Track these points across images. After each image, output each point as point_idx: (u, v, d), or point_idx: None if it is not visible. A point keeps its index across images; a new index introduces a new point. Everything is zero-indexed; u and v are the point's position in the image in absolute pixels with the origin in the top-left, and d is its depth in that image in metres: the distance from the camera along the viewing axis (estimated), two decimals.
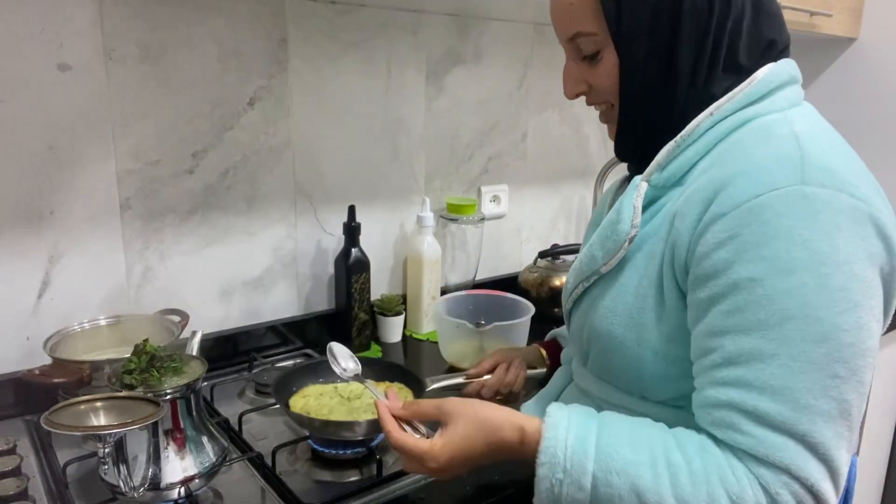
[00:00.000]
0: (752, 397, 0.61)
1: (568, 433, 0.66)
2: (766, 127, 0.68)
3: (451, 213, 1.54)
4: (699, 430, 0.66)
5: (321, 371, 1.08)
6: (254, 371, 1.26)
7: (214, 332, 1.27)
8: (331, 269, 1.41)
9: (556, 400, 0.89)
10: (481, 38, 1.55)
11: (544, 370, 1.07)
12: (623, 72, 0.74)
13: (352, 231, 1.34)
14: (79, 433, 0.72)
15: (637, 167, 0.79)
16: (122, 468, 0.77)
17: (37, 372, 0.97)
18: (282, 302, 1.37)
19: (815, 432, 0.59)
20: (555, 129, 1.76)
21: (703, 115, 0.70)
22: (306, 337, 1.39)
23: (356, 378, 0.92)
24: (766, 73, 0.71)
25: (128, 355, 0.85)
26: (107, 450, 0.73)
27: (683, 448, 0.64)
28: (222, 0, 1.18)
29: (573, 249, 1.68)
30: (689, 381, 0.69)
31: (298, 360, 1.33)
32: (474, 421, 0.71)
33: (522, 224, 1.78)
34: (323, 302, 1.43)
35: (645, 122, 0.75)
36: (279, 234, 1.34)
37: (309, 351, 1.37)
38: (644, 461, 0.63)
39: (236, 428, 1.05)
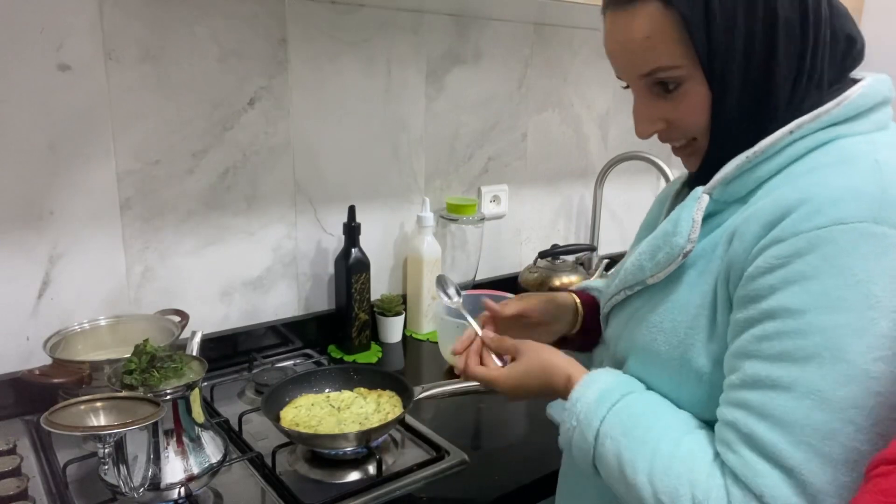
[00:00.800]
0: (752, 421, 0.59)
1: (595, 391, 0.71)
2: (847, 151, 0.62)
3: (451, 213, 1.54)
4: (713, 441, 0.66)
5: (314, 380, 1.08)
6: (254, 371, 1.26)
7: (214, 332, 1.27)
8: (331, 269, 1.41)
9: None
10: (481, 38, 1.55)
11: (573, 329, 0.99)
12: (716, 105, 0.67)
13: (352, 231, 1.34)
14: (79, 433, 0.72)
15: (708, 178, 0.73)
16: (122, 468, 0.77)
17: (37, 372, 0.97)
18: (282, 302, 1.37)
19: (808, 471, 0.56)
20: (555, 129, 1.76)
21: (783, 133, 0.64)
22: (306, 337, 1.39)
23: (458, 306, 0.99)
24: (861, 93, 0.65)
25: (128, 355, 0.85)
26: (107, 450, 0.73)
27: (679, 444, 0.64)
28: (222, 0, 1.18)
29: (573, 249, 1.68)
30: None
31: (298, 361, 1.33)
32: (536, 362, 0.81)
33: (522, 224, 1.78)
34: (323, 302, 1.43)
35: (736, 150, 0.68)
36: (279, 234, 1.34)
37: (309, 351, 1.37)
38: (638, 438, 0.66)
39: (236, 428, 1.05)
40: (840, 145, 0.63)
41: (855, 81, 0.68)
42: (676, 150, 0.75)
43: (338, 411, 1.02)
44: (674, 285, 0.71)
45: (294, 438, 0.96)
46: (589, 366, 0.85)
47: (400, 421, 1.01)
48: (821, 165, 0.63)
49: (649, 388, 0.73)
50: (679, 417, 0.68)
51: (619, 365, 0.79)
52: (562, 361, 0.80)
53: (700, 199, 0.69)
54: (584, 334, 0.95)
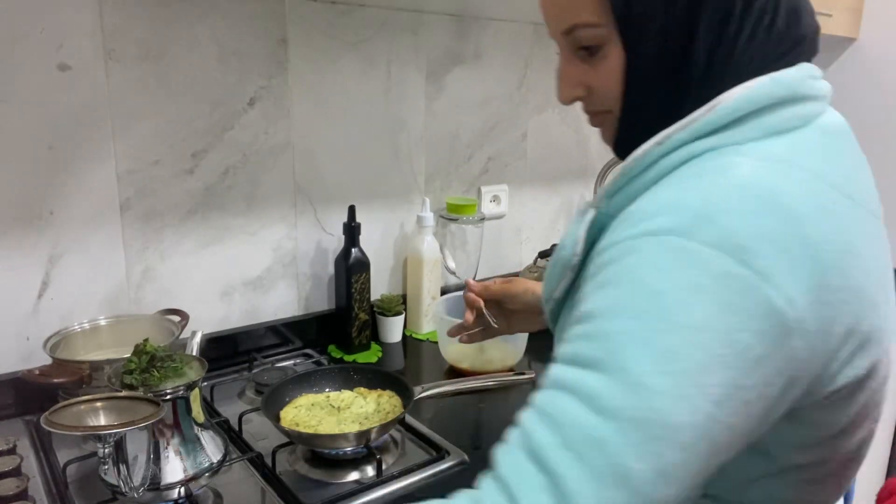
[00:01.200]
0: (533, 419, 0.55)
1: None
2: (703, 165, 0.57)
3: (451, 213, 1.54)
4: None
5: (314, 380, 1.08)
6: (254, 371, 1.25)
7: (214, 332, 1.27)
8: (331, 269, 1.41)
9: None
10: (481, 38, 1.55)
11: (533, 375, 1.06)
12: (629, 72, 0.62)
13: (352, 231, 1.34)
14: (79, 433, 0.72)
15: None
16: (122, 468, 0.77)
17: (37, 372, 0.97)
18: (282, 302, 1.37)
19: (570, 478, 0.50)
20: (555, 129, 1.76)
21: (651, 144, 0.59)
22: (306, 337, 1.39)
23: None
24: (737, 98, 0.57)
25: (128, 355, 0.85)
26: (107, 450, 0.73)
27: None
28: (222, 0, 1.18)
29: None
30: None
31: (298, 361, 1.33)
32: None
33: (522, 224, 1.78)
34: (323, 302, 1.43)
35: (647, 128, 0.63)
36: (279, 234, 1.34)
37: (309, 351, 1.37)
38: None
39: (236, 428, 1.05)
40: (704, 158, 0.58)
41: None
42: (593, 119, 0.72)
43: (338, 411, 1.02)
44: (576, 300, 0.66)
45: (294, 438, 0.96)
46: None
47: (400, 421, 1.01)
48: (673, 180, 0.58)
49: None
50: None
51: None
52: None
53: (586, 213, 0.66)
54: None
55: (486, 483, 0.56)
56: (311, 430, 0.96)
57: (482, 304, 1.02)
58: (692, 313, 0.50)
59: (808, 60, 0.62)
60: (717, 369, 0.50)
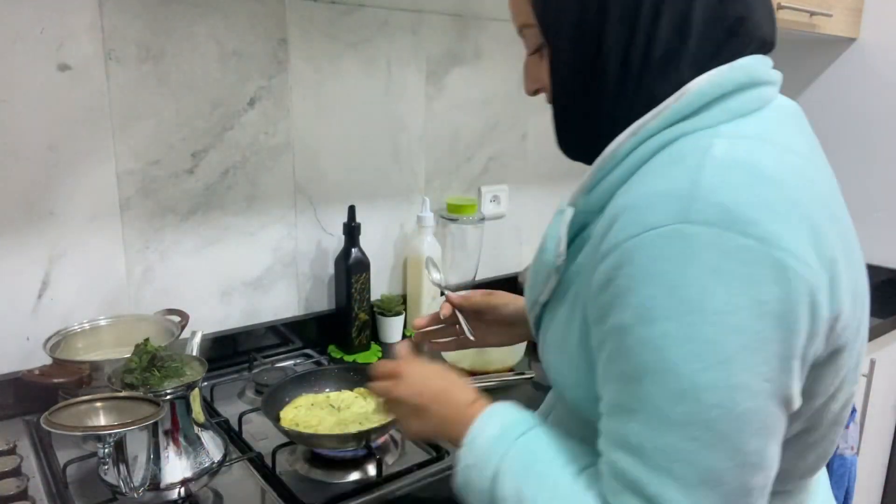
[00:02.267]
0: (614, 451, 0.57)
1: (494, 428, 0.67)
2: (681, 150, 0.58)
3: (451, 213, 1.54)
4: None
5: (314, 380, 1.08)
6: (254, 371, 1.26)
7: (214, 332, 1.27)
8: (331, 269, 1.41)
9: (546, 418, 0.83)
10: (481, 38, 1.55)
11: (532, 375, 1.03)
12: (552, 70, 0.66)
13: (352, 231, 1.34)
14: (79, 433, 0.72)
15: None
16: (122, 468, 0.77)
17: (37, 372, 0.97)
18: (282, 302, 1.37)
19: (668, 498, 0.53)
20: None
21: (626, 135, 0.60)
22: (306, 337, 1.39)
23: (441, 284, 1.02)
24: (702, 84, 0.59)
25: (128, 355, 0.85)
26: (107, 450, 0.74)
27: (577, 478, 0.61)
28: (222, 0, 1.18)
29: None
30: None
31: (298, 361, 1.33)
32: (440, 368, 0.79)
33: (522, 224, 1.78)
34: (323, 302, 1.43)
35: (578, 122, 0.67)
36: (279, 234, 1.34)
37: (309, 351, 1.37)
38: (536, 472, 0.63)
39: (236, 428, 1.05)
40: (679, 144, 0.59)
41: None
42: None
43: (338, 411, 1.02)
44: (561, 302, 0.68)
45: (294, 438, 0.96)
46: None
47: (395, 423, 1.01)
48: (652, 167, 0.59)
49: (570, 400, 0.70)
50: (582, 450, 0.65)
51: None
52: (465, 382, 0.77)
53: (564, 212, 0.66)
54: None
55: None
56: (311, 430, 0.96)
57: (460, 314, 0.95)
58: (716, 298, 0.51)
59: (758, 52, 0.63)
60: (759, 347, 0.52)
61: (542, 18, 0.65)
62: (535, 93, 0.72)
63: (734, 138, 0.57)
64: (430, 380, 0.77)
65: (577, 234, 0.66)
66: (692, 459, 0.52)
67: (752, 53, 0.62)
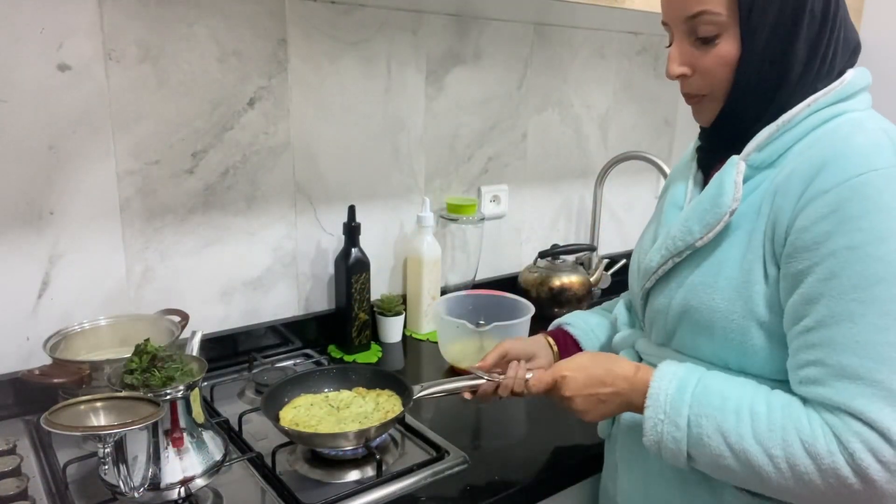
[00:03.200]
0: (836, 353, 0.67)
1: (671, 383, 0.76)
2: (856, 120, 0.74)
3: (451, 213, 1.54)
4: (793, 394, 0.73)
5: (312, 381, 1.08)
6: (254, 371, 1.26)
7: (214, 332, 1.28)
8: (331, 269, 1.41)
9: None
10: (481, 38, 1.55)
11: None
12: (742, 61, 0.76)
13: (352, 231, 1.34)
14: (79, 433, 0.72)
15: (718, 150, 0.83)
16: (122, 468, 0.77)
17: (37, 372, 0.97)
18: (282, 302, 1.37)
19: (894, 380, 0.65)
20: (555, 129, 1.76)
21: (802, 106, 0.75)
22: (306, 337, 1.39)
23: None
24: (854, 76, 0.77)
25: (128, 355, 0.85)
26: (107, 450, 0.74)
27: (770, 402, 0.71)
28: (222, 0, 1.18)
29: (573, 249, 1.68)
30: (787, 354, 0.74)
31: (298, 361, 1.33)
32: (588, 355, 0.88)
33: (522, 224, 1.78)
34: (323, 302, 1.43)
35: (747, 115, 0.78)
36: (279, 234, 1.34)
37: (309, 351, 1.37)
38: (730, 408, 0.72)
39: (236, 428, 1.05)
40: (849, 117, 0.75)
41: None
42: (690, 100, 0.83)
43: (337, 411, 1.02)
44: (722, 246, 0.78)
45: (294, 438, 0.96)
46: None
47: (400, 420, 1.01)
48: (839, 130, 0.73)
49: (712, 346, 0.79)
50: (753, 383, 0.75)
51: (667, 338, 0.85)
52: (615, 356, 0.87)
53: (738, 164, 0.77)
54: None
55: (828, 418, 0.68)
56: (310, 430, 0.96)
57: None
58: None
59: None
60: None
61: (746, 16, 0.74)
62: (678, 77, 0.81)
63: (883, 121, 0.76)
64: (589, 369, 0.84)
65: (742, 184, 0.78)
66: None
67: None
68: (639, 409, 0.79)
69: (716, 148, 0.84)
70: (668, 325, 0.84)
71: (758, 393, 0.73)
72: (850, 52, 0.80)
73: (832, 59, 0.77)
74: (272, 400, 1.02)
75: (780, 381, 0.76)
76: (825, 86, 0.76)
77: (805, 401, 0.71)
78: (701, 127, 0.87)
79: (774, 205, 0.74)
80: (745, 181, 0.78)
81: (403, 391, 1.03)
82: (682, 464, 0.76)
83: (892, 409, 0.65)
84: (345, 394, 1.07)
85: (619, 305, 1.03)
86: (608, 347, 1.02)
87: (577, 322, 1.06)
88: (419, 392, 0.96)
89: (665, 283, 0.84)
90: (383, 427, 0.95)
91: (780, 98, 0.77)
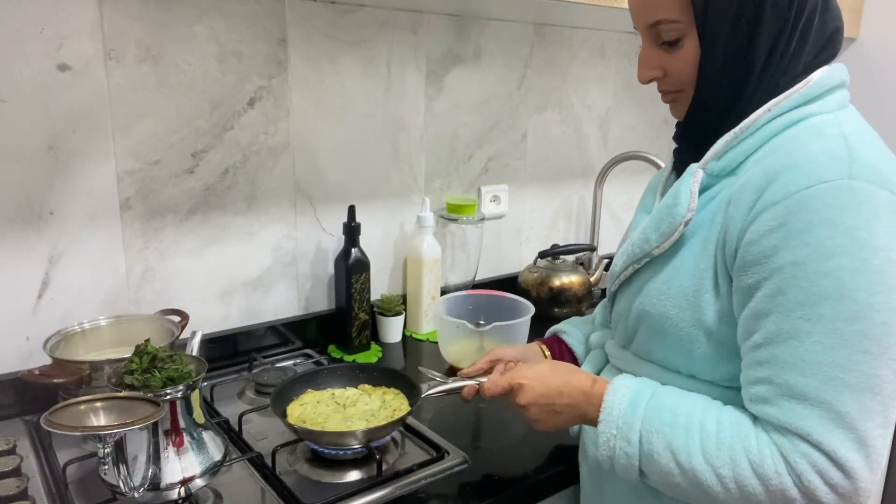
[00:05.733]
0: (784, 372, 0.66)
1: (624, 398, 0.76)
2: (817, 126, 0.72)
3: (451, 213, 1.54)
4: (744, 409, 0.73)
5: (319, 378, 1.08)
6: (254, 371, 1.26)
7: (214, 332, 1.28)
8: (331, 269, 1.41)
9: None
10: (481, 38, 1.55)
11: None
12: (703, 60, 0.76)
13: (352, 231, 1.34)
14: (79, 433, 0.72)
15: (690, 154, 0.82)
16: (122, 468, 0.77)
17: (37, 372, 0.97)
18: (282, 302, 1.37)
19: (841, 402, 0.64)
20: (555, 129, 1.76)
21: (762, 111, 0.74)
22: (306, 337, 1.39)
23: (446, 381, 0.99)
24: (821, 76, 0.74)
25: (128, 355, 0.85)
26: (107, 450, 0.73)
27: (720, 420, 0.71)
28: (222, 0, 1.18)
29: (573, 249, 1.68)
30: (737, 362, 0.74)
31: (298, 361, 1.33)
32: (548, 364, 0.88)
33: (522, 224, 1.78)
34: (323, 302, 1.43)
35: (715, 110, 0.78)
36: (279, 234, 1.34)
37: (309, 351, 1.37)
38: (681, 425, 0.72)
39: (236, 428, 1.05)
40: (811, 122, 0.73)
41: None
42: (666, 97, 0.83)
43: (343, 408, 1.02)
44: (678, 254, 0.78)
45: (303, 435, 0.96)
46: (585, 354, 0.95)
47: (405, 419, 1.01)
48: (798, 137, 0.72)
49: (663, 351, 0.80)
50: (706, 398, 0.75)
51: (628, 341, 0.86)
52: (574, 367, 0.87)
53: (695, 173, 0.77)
54: None
55: (776, 438, 0.67)
56: (318, 428, 0.96)
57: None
58: (880, 237, 0.65)
59: (835, 57, 0.77)
60: None
61: (701, 20, 0.74)
62: (649, 81, 0.82)
63: (851, 123, 0.73)
64: (547, 380, 0.84)
65: (700, 193, 0.77)
66: (865, 369, 0.64)
67: (836, 56, 0.77)
68: (593, 422, 0.79)
69: (687, 149, 0.84)
70: (629, 328, 0.85)
71: (708, 409, 0.73)
72: (825, 39, 0.76)
73: (796, 52, 0.74)
74: (279, 397, 1.02)
75: (730, 388, 0.76)
76: (790, 82, 0.74)
77: (756, 419, 0.70)
78: (676, 124, 0.87)
79: (727, 215, 0.73)
80: (704, 189, 0.77)
81: (410, 389, 1.03)
82: (634, 480, 0.76)
83: (840, 430, 0.64)
84: (350, 391, 1.07)
85: (600, 304, 1.05)
86: None
87: (573, 331, 1.08)
88: (426, 391, 0.97)
89: (627, 288, 0.85)
90: (392, 426, 0.95)
91: (745, 95, 0.76)
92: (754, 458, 0.67)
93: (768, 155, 0.72)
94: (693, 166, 0.78)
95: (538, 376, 0.84)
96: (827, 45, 0.76)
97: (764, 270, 0.68)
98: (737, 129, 0.75)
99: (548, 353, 1.07)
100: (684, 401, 0.74)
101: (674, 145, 0.89)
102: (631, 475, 0.76)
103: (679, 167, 0.86)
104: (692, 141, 0.83)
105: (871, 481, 0.65)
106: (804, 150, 0.69)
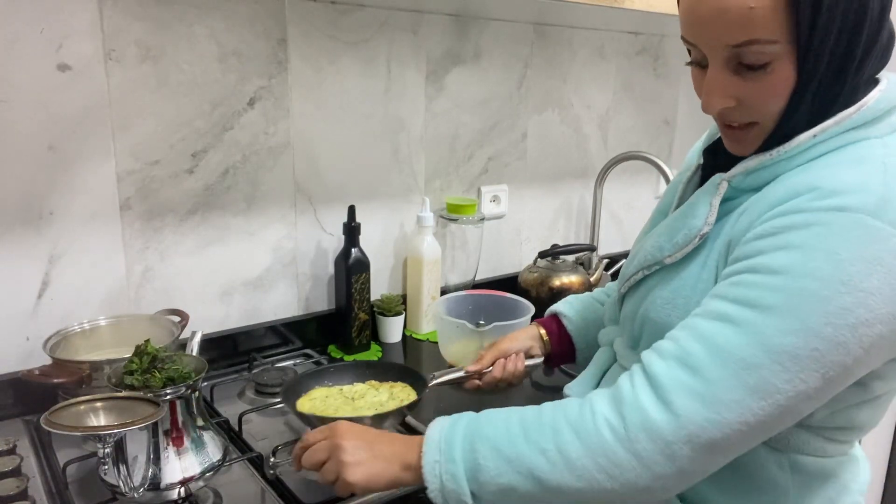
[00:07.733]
0: (694, 342, 0.64)
1: (445, 422, 0.74)
2: (860, 153, 0.65)
3: (451, 213, 1.54)
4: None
5: (327, 375, 1.08)
6: (254, 371, 1.26)
7: (214, 332, 1.28)
8: (331, 269, 1.41)
9: (601, 380, 0.91)
10: (481, 38, 1.55)
11: (542, 359, 1.07)
12: (799, 90, 0.66)
13: (352, 231, 1.34)
14: (79, 433, 0.72)
15: (721, 160, 0.77)
16: (122, 468, 0.77)
17: (37, 372, 0.97)
18: (282, 302, 1.37)
19: (721, 385, 0.61)
20: (555, 129, 1.76)
21: (807, 136, 0.67)
22: (306, 337, 1.39)
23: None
24: (878, 98, 0.67)
25: (128, 355, 0.85)
26: (107, 450, 0.74)
27: (542, 406, 0.70)
28: (222, 0, 1.18)
29: (573, 249, 1.68)
30: None
31: (298, 361, 1.33)
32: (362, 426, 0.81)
33: (522, 224, 1.78)
34: (323, 302, 1.43)
35: (791, 130, 0.69)
36: (279, 233, 1.34)
37: (309, 351, 1.37)
38: (501, 421, 0.71)
39: (236, 428, 1.05)
40: (856, 147, 0.66)
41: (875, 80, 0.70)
42: (731, 129, 0.72)
43: (352, 401, 1.02)
44: (687, 265, 0.75)
45: (315, 423, 0.96)
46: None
47: (412, 407, 1.01)
48: (834, 163, 0.66)
49: None
50: (522, 409, 0.73)
51: (634, 343, 0.84)
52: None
53: (720, 185, 0.73)
54: (560, 354, 1.06)
55: (635, 381, 0.66)
56: (330, 415, 0.96)
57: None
58: (870, 281, 0.59)
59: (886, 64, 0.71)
60: (876, 324, 0.60)
61: (806, 43, 0.63)
62: (720, 111, 0.70)
63: None
64: (367, 430, 0.78)
65: (720, 205, 0.73)
66: (765, 375, 0.60)
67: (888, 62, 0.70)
68: (416, 461, 0.72)
69: (717, 162, 0.78)
70: (635, 331, 0.83)
71: (531, 407, 0.71)
72: (882, 49, 0.68)
73: (871, 65, 0.67)
74: (288, 392, 1.02)
75: None
76: (844, 102, 0.67)
77: (587, 398, 0.69)
78: (715, 139, 0.80)
79: (736, 224, 0.69)
80: (725, 202, 0.73)
81: (416, 382, 1.04)
82: None
83: (700, 405, 0.61)
84: (358, 386, 1.07)
85: (609, 301, 1.02)
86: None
87: (574, 317, 1.06)
88: (433, 381, 0.97)
89: (636, 291, 0.83)
90: (401, 412, 0.96)
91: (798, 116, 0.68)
92: (573, 419, 0.66)
93: (798, 174, 0.67)
94: (718, 177, 0.73)
95: (354, 427, 0.79)
96: (882, 56, 0.69)
97: (741, 265, 0.65)
98: (775, 151, 0.69)
99: (546, 337, 1.06)
100: (509, 410, 0.72)
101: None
102: (463, 502, 0.69)
103: (706, 171, 0.81)
104: (729, 156, 0.75)
105: (676, 468, 0.62)
106: (835, 177, 0.63)
